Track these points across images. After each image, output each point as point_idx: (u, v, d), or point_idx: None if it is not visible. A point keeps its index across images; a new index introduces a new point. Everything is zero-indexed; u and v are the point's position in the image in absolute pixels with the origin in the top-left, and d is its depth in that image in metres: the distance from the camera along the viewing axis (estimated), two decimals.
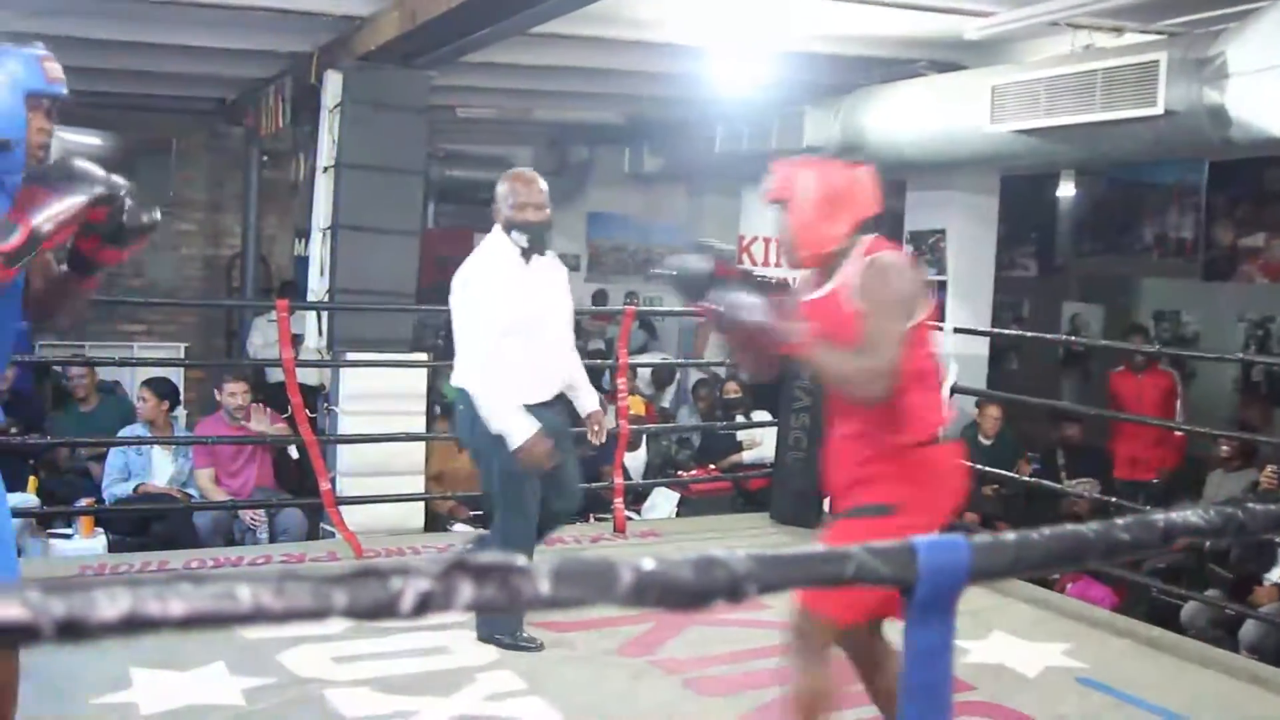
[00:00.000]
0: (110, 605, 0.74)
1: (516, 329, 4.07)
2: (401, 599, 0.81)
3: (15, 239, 2.38)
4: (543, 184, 4.18)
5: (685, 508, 7.34)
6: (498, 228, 4.17)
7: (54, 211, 2.40)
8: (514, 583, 0.83)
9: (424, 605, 0.82)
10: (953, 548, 1.00)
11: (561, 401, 4.35)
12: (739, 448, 7.97)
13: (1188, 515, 1.17)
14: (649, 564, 0.87)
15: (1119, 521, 1.11)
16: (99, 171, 2.47)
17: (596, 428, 4.46)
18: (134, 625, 0.75)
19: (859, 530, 2.61)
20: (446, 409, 7.05)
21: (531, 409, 4.08)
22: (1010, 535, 1.05)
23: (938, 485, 2.76)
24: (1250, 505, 1.19)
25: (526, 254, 4.14)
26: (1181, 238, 10.58)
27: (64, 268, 2.67)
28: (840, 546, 0.96)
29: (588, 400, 4.49)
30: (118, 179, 2.49)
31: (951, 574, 1.00)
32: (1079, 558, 1.11)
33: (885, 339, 2.58)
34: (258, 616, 0.78)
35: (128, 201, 2.51)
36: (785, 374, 5.94)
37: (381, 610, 0.81)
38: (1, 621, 0.72)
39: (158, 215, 2.62)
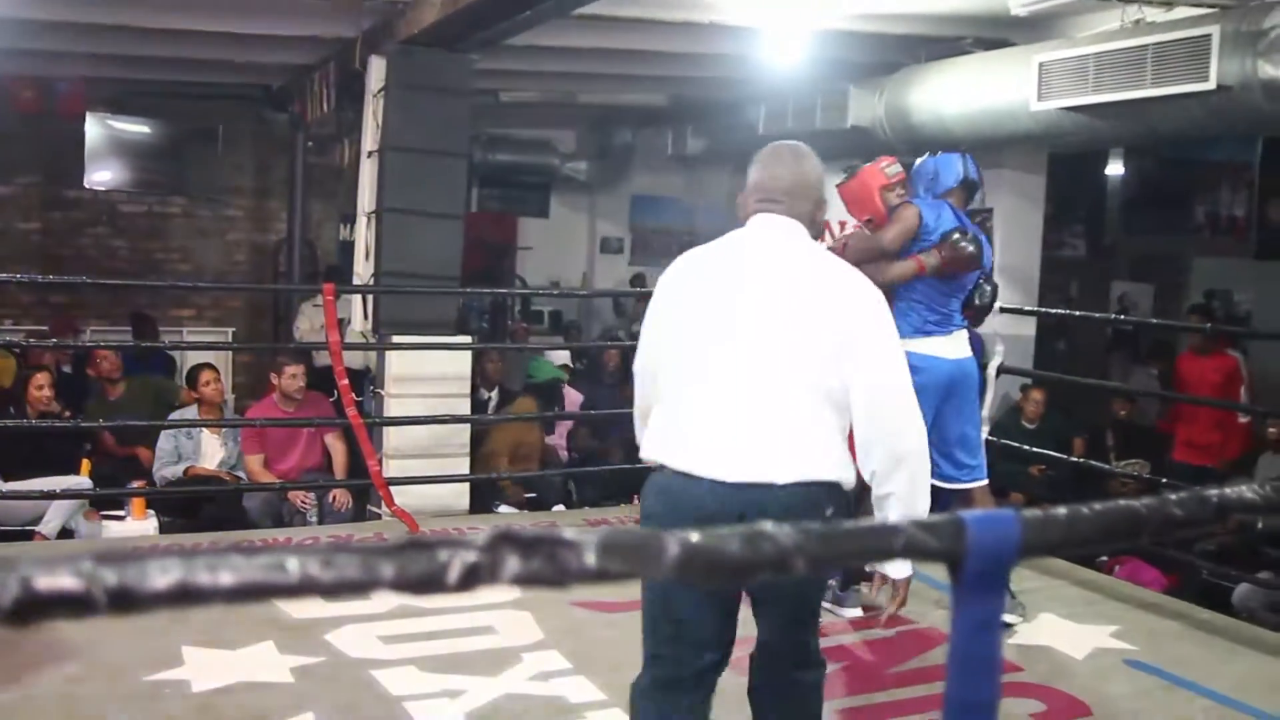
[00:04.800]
0: (162, 575, 0.74)
1: None
2: (448, 571, 0.81)
3: None
4: None
5: None
6: None
7: None
8: (561, 555, 0.83)
9: (471, 577, 0.81)
10: (1002, 522, 0.99)
11: None
12: None
13: (1243, 491, 1.14)
14: (695, 537, 0.87)
15: (1172, 497, 1.10)
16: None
17: None
18: (185, 596, 0.75)
19: None
20: (532, 389, 7.15)
21: None
22: (1061, 510, 1.03)
23: None
24: None
25: None
26: (1233, 216, 10.43)
27: None
28: (889, 521, 0.95)
29: None
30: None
31: (1001, 548, 0.99)
32: (1132, 534, 1.09)
33: None
34: (306, 588, 0.78)
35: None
36: None
37: (429, 582, 0.81)
38: (55, 591, 0.72)
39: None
